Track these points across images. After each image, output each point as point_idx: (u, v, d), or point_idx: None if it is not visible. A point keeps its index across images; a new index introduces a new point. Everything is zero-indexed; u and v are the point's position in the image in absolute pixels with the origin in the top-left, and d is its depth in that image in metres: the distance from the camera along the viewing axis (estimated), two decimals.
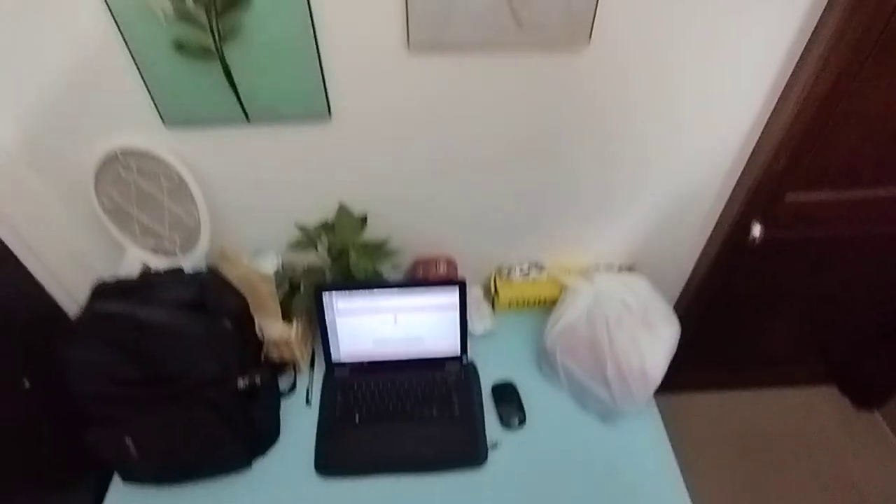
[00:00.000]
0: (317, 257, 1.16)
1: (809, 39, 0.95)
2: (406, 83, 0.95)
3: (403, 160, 1.08)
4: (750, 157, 1.14)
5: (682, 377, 1.26)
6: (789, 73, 0.99)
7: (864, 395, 1.88)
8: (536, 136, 1.05)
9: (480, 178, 1.12)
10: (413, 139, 1.04)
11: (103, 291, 0.96)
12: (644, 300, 1.15)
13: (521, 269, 1.30)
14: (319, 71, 0.91)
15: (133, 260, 1.13)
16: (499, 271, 1.32)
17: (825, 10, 0.90)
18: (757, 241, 1.28)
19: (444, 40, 0.88)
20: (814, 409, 1.89)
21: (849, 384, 1.92)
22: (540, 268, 1.30)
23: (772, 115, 1.06)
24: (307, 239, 1.13)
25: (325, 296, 1.09)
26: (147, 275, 1.08)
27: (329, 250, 1.13)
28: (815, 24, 0.93)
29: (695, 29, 0.92)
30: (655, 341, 1.11)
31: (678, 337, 1.13)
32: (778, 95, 1.03)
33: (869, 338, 1.75)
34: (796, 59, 0.97)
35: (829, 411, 1.89)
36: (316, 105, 0.96)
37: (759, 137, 1.10)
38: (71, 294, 1.09)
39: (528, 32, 0.87)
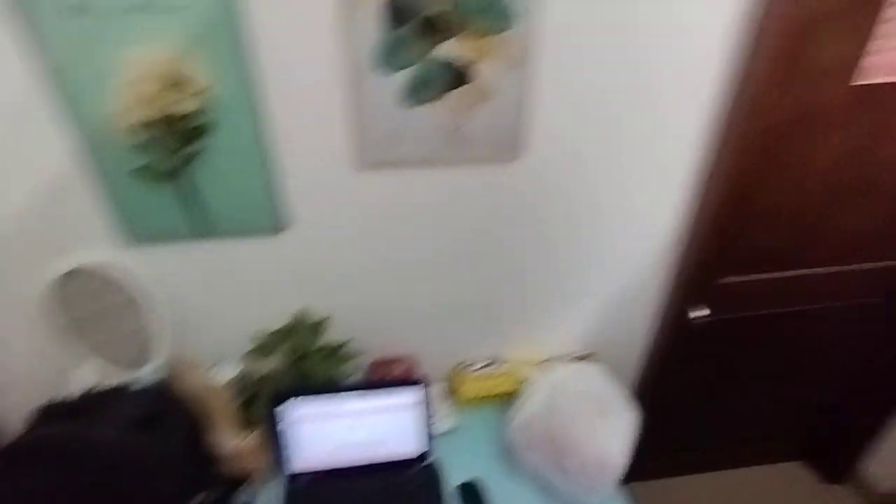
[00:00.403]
0: (276, 363, 1.17)
1: (718, 148, 1.08)
2: (358, 196, 1.03)
3: (359, 264, 1.13)
4: (683, 249, 1.24)
5: (655, 463, 1.27)
6: (707, 177, 1.12)
7: (829, 470, 1.89)
8: (482, 239, 1.13)
9: (435, 278, 1.18)
10: (367, 245, 1.10)
11: (48, 412, 0.94)
12: (600, 389, 1.18)
13: (481, 365, 1.32)
14: (276, 188, 0.98)
15: (88, 373, 1.11)
16: (459, 367, 1.34)
17: (730, 112, 1.04)
18: (701, 324, 1.35)
19: (393, 158, 0.97)
20: (783, 486, 1.89)
21: (814, 459, 1.94)
22: (499, 362, 1.33)
23: (696, 213, 1.18)
24: (265, 346, 1.14)
25: (283, 403, 1.09)
26: (96, 392, 1.06)
27: (288, 356, 1.14)
28: (722, 132, 1.06)
29: (617, 142, 1.04)
30: (613, 429, 1.13)
31: (637, 424, 1.15)
32: (700, 198, 1.15)
33: (825, 411, 1.80)
34: (710, 166, 1.11)
35: (798, 488, 1.89)
36: (273, 219, 1.02)
37: (688, 233, 1.21)
38: (14, 414, 1.05)
39: (467, 149, 0.97)
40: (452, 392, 1.33)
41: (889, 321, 1.55)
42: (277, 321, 1.16)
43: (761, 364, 1.61)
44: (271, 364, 1.17)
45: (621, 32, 0.93)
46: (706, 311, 1.34)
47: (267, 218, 1.01)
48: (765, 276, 1.37)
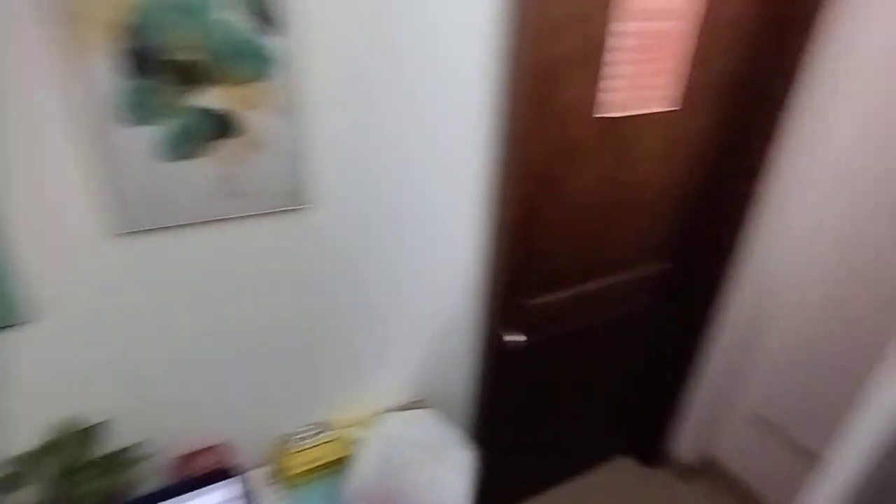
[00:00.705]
0: (36, 494, 0.91)
1: (503, 178, 1.17)
2: (122, 269, 0.88)
3: (138, 349, 0.96)
4: (489, 278, 1.30)
5: (500, 493, 1.26)
6: (499, 206, 1.20)
7: (649, 456, 2.11)
8: (281, 299, 1.05)
9: (232, 350, 1.05)
10: (143, 325, 0.94)
11: None
12: (433, 434, 1.16)
13: (306, 435, 1.21)
14: (11, 276, 0.79)
15: None
16: (281, 443, 1.20)
17: (504, 146, 1.13)
18: (518, 348, 1.42)
19: (159, 220, 0.85)
20: (617, 482, 2.06)
21: (636, 450, 2.15)
22: (326, 428, 1.23)
23: (494, 241, 1.24)
24: (14, 476, 0.89)
25: None
26: None
27: (51, 480, 0.90)
28: (502, 164, 1.15)
29: (409, 182, 1.06)
30: (451, 473, 1.10)
31: (474, 461, 1.14)
32: (495, 227, 1.22)
33: (634, 404, 2.02)
34: (499, 195, 1.18)
35: (629, 479, 2.07)
36: (14, 312, 0.81)
37: (491, 260, 1.27)
38: None
39: (246, 202, 0.90)
40: (279, 472, 1.18)
41: (666, 317, 1.81)
42: (34, 439, 0.92)
43: (576, 375, 1.75)
44: (28, 497, 0.91)
45: (389, 80, 0.96)
46: (521, 337, 1.41)
47: (5, 311, 0.80)
48: (563, 293, 1.50)
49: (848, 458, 0.93)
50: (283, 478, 1.16)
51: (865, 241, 1.46)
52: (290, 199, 0.94)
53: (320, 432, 1.22)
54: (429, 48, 0.97)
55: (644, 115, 1.31)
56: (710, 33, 1.27)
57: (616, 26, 1.15)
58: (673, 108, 1.33)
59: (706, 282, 1.73)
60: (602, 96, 1.23)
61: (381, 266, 1.13)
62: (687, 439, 2.01)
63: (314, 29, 0.85)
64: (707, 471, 2.08)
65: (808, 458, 1.71)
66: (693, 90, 1.34)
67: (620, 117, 1.28)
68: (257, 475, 1.16)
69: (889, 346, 0.83)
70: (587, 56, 1.17)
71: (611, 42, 1.17)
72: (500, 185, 1.18)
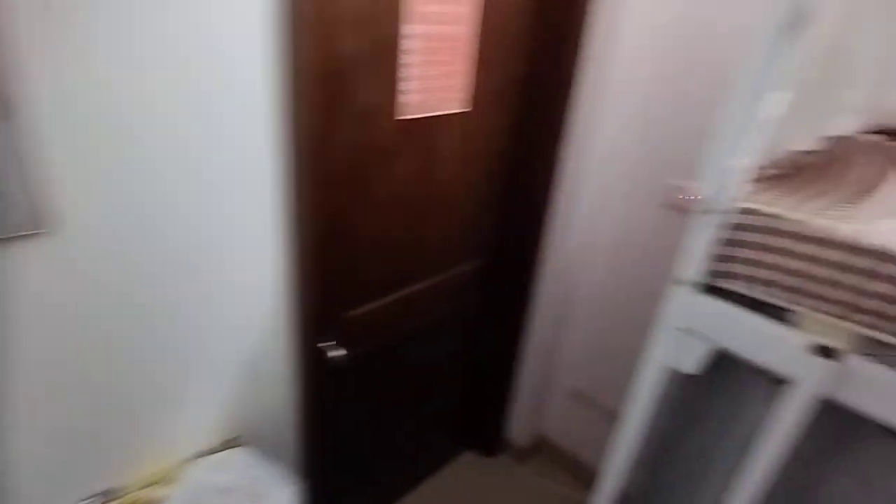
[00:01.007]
0: None
1: (298, 190, 1.08)
2: None
3: None
4: (294, 297, 1.20)
5: None
6: (296, 221, 1.11)
7: (489, 446, 2.20)
8: (30, 345, 0.84)
9: None
10: None
11: None
12: (248, 475, 1.03)
13: None
14: None
15: None
16: None
17: (296, 156, 1.05)
18: (341, 363, 1.35)
19: None
20: (467, 476, 2.10)
21: (480, 443, 2.22)
22: (115, 495, 1.02)
23: (298, 258, 1.15)
24: None
25: None
26: None
27: None
28: (295, 174, 1.07)
29: (182, 204, 0.92)
30: None
31: (301, 495, 1.04)
32: (297, 243, 1.13)
33: (468, 399, 2.08)
34: (296, 209, 1.10)
35: (475, 471, 2.13)
36: None
37: (298, 280, 1.17)
38: None
39: None
40: None
41: (487, 313, 1.89)
42: None
43: (406, 382, 1.74)
44: None
45: (148, 93, 0.82)
46: (342, 351, 1.34)
47: None
48: (383, 301, 1.47)
49: (633, 413, 1.04)
50: None
51: (639, 223, 1.69)
52: (21, 223, 0.75)
53: (112, 500, 1.01)
54: (192, 49, 0.85)
55: (442, 116, 1.34)
56: (489, 39, 1.35)
57: (405, 28, 1.16)
58: (466, 110, 1.39)
59: (518, 275, 1.84)
60: (401, 98, 1.23)
61: (162, 296, 0.96)
62: (520, 423, 2.13)
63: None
64: (540, 449, 2.23)
65: (610, 415, 1.92)
66: (482, 92, 1.41)
67: (421, 119, 1.30)
68: None
69: (656, 313, 0.95)
70: (379, 57, 1.16)
71: (402, 44, 1.17)
72: (296, 194, 1.10)
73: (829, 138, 1.01)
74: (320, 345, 1.31)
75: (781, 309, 0.85)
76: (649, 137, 1.61)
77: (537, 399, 2.07)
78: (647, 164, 1.63)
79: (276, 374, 1.25)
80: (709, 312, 0.89)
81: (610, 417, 1.92)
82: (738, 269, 0.87)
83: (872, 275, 0.75)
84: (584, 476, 2.09)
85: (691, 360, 0.89)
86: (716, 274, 0.89)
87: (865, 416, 0.80)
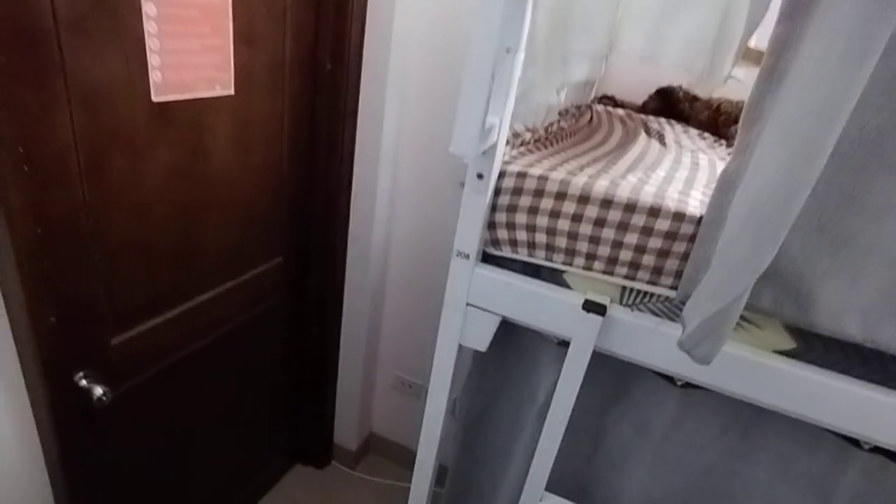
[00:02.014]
0: None
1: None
2: None
3: None
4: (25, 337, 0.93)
5: None
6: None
7: (320, 455, 2.05)
8: None
9: None
10: None
11: None
12: None
13: None
14: None
15: None
16: None
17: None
18: (106, 401, 1.09)
19: None
20: (300, 492, 1.93)
21: (309, 455, 2.05)
22: None
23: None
24: None
25: None
26: None
27: None
28: None
29: None
30: None
31: None
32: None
33: (286, 410, 1.91)
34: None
35: (310, 485, 1.97)
36: None
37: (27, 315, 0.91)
38: None
39: None
40: None
41: (293, 314, 1.74)
42: None
43: (208, 402, 1.52)
44: None
45: None
46: (102, 387, 1.09)
47: None
48: (163, 317, 1.23)
49: (435, 394, 1.01)
50: None
51: (440, 203, 1.69)
52: None
53: None
54: None
55: (208, 100, 1.16)
56: (253, 9, 1.20)
57: None
58: (232, 93, 1.21)
59: (323, 271, 1.73)
60: (153, 76, 1.01)
61: None
62: (347, 426, 2.03)
63: None
64: (371, 448, 2.15)
65: None
66: (251, 72, 1.25)
67: (181, 102, 1.10)
68: None
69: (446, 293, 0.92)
70: (110, 22, 0.93)
71: (145, 9, 0.96)
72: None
73: (577, 106, 1.08)
74: (79, 381, 1.04)
75: (559, 272, 0.87)
76: (437, 113, 1.60)
77: (362, 397, 1.98)
78: (439, 141, 1.63)
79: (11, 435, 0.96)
80: (489, 284, 0.88)
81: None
82: (512, 235, 0.87)
83: (625, 227, 0.79)
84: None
85: (480, 336, 0.87)
86: (493, 242, 0.88)
87: (634, 362, 0.85)
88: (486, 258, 0.91)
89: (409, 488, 2.13)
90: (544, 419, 0.94)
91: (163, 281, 1.22)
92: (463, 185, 1.64)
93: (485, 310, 0.88)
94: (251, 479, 1.85)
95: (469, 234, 0.84)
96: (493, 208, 0.87)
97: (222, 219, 1.32)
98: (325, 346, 1.85)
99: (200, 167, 1.21)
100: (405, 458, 2.09)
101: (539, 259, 0.87)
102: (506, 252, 0.88)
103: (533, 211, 0.84)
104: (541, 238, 0.84)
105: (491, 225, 0.88)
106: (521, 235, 0.85)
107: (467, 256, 0.84)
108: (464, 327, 0.90)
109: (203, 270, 1.32)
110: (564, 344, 0.89)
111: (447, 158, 1.63)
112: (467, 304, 0.89)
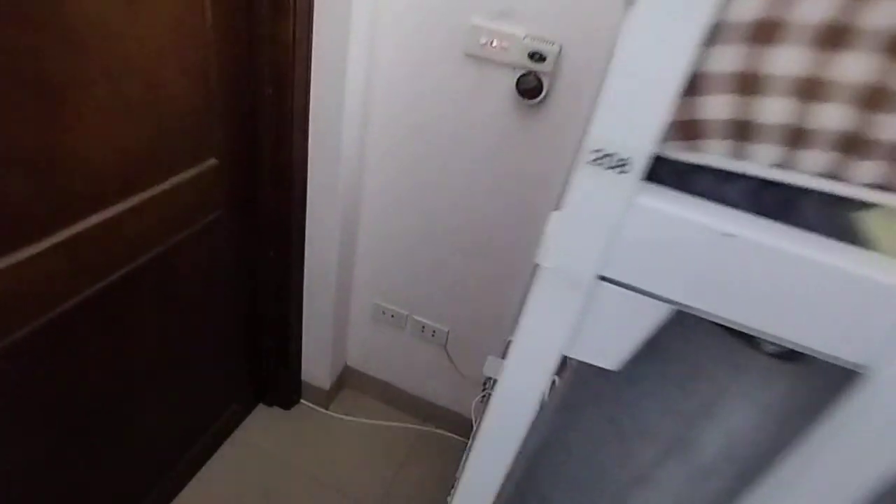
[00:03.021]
0: None
1: None
2: None
3: None
4: None
5: None
6: None
7: (286, 395, 1.75)
8: None
9: None
10: None
11: None
12: None
13: None
14: None
15: None
16: None
17: None
18: None
19: None
20: (267, 434, 1.64)
21: (276, 396, 1.75)
22: None
23: None
24: None
25: None
26: None
27: None
28: None
29: None
30: None
31: None
32: None
33: (246, 348, 1.56)
34: None
35: (277, 427, 1.69)
36: None
37: None
38: None
39: None
40: None
41: (240, 234, 1.32)
42: None
43: (136, 347, 1.14)
44: None
45: None
46: None
47: None
48: (27, 253, 0.81)
49: (497, 434, 0.62)
50: None
51: (430, 81, 1.24)
52: None
53: None
54: None
55: None
56: None
57: None
58: None
59: (276, 173, 1.29)
60: None
61: None
62: (318, 361, 1.70)
63: None
64: (346, 384, 1.86)
65: (422, 332, 1.61)
66: None
67: None
68: None
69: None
70: None
71: None
72: None
73: None
74: None
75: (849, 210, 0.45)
76: None
77: (335, 329, 1.63)
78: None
79: None
80: (665, 229, 0.35)
81: (417, 329, 1.61)
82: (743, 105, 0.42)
83: None
84: (398, 400, 1.81)
85: (616, 341, 0.39)
86: (684, 130, 0.42)
87: None
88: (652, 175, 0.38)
89: (390, 427, 1.91)
90: (701, 487, 0.54)
91: (16, 199, 0.78)
92: (470, 56, 1.21)
93: (642, 290, 0.37)
94: (208, 426, 1.54)
95: (633, 108, 0.33)
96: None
97: (110, 103, 0.86)
98: (284, 271, 1.47)
99: (67, 39, 0.73)
100: (385, 394, 1.81)
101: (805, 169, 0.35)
102: (713, 151, 0.35)
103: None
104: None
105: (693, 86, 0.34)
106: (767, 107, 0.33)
107: (622, 164, 0.32)
108: (584, 323, 0.39)
109: (89, 180, 0.88)
110: (785, 357, 0.46)
111: (448, 18, 1.16)
112: (600, 278, 0.37)
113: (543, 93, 1.14)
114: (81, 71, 0.79)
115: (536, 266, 0.36)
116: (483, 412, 1.21)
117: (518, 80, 1.14)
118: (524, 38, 1.11)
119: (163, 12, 0.89)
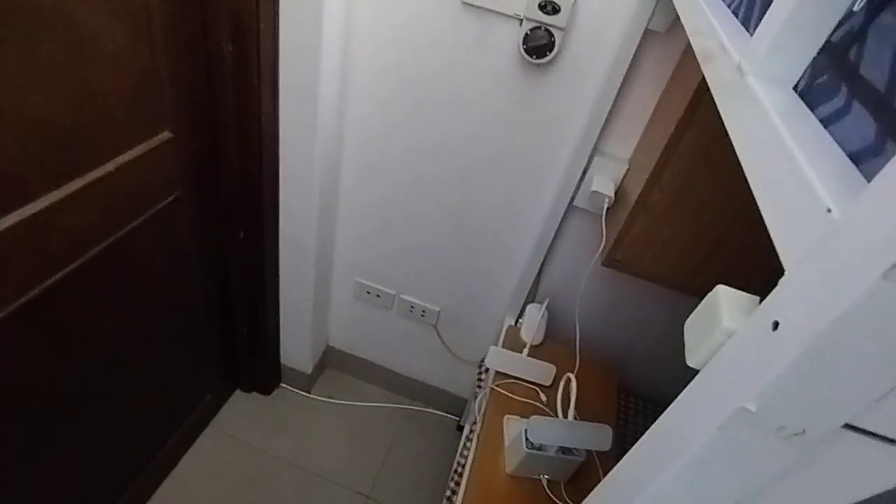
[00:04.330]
0: None
1: None
2: None
3: None
4: None
5: None
6: None
7: (262, 381, 1.63)
8: None
9: None
10: None
11: None
12: None
13: None
14: None
15: None
16: None
17: None
18: None
19: None
20: (248, 419, 1.53)
21: (255, 382, 1.62)
22: None
23: None
24: None
25: None
26: None
27: None
28: None
29: None
30: None
31: None
32: None
33: (221, 333, 1.42)
34: None
35: (255, 413, 1.57)
36: None
37: None
38: None
39: None
40: None
41: (206, 213, 1.15)
42: None
43: (94, 347, 0.99)
44: None
45: None
46: None
47: None
48: None
49: None
50: None
51: (420, 29, 1.06)
52: None
53: None
54: None
55: None
56: None
57: None
58: None
59: (243, 143, 1.11)
60: None
61: None
62: (298, 344, 1.58)
63: None
64: (328, 364, 1.75)
65: (411, 311, 1.50)
66: None
67: None
68: None
69: None
70: None
71: None
72: None
73: None
74: None
75: None
76: None
77: (315, 311, 1.50)
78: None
79: None
80: None
81: (405, 309, 1.49)
82: None
83: None
84: (384, 381, 1.71)
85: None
86: None
87: None
88: None
89: (377, 408, 1.82)
90: None
91: None
92: (468, 4, 1.02)
93: None
94: (181, 420, 1.41)
95: None
96: None
97: (18, 64, 0.66)
98: (257, 252, 1.31)
99: None
100: (369, 374, 1.71)
101: None
102: None
103: None
104: None
105: None
106: None
107: None
108: (792, 477, 0.23)
109: (8, 163, 0.70)
110: None
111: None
112: (845, 427, 0.20)
113: (555, 51, 0.98)
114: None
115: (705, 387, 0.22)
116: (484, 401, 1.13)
117: (525, 35, 0.98)
118: None
119: None
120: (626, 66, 0.95)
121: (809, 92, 0.27)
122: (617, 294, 1.27)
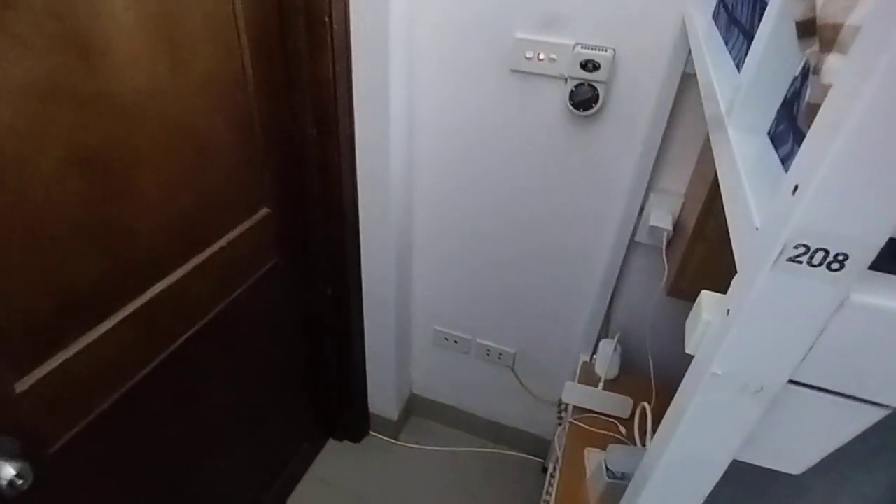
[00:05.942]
0: None
1: None
2: None
3: None
4: None
5: None
6: None
7: (355, 431, 1.73)
8: None
9: None
10: None
11: None
12: None
13: None
14: None
15: None
16: None
17: None
18: (25, 485, 0.70)
19: None
20: (338, 468, 1.63)
21: (345, 431, 1.73)
22: None
23: None
24: None
25: None
26: None
27: None
28: None
29: None
30: None
31: None
32: None
33: (313, 389, 1.55)
34: None
35: (347, 461, 1.67)
36: None
37: None
38: None
39: None
40: None
41: (299, 277, 1.30)
42: None
43: (202, 410, 1.14)
44: None
45: None
46: (16, 466, 0.69)
47: None
48: (95, 333, 0.81)
49: None
50: None
51: (476, 97, 1.18)
52: None
53: None
54: None
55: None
56: None
57: None
58: None
59: (326, 213, 1.26)
60: None
61: None
62: (383, 392, 1.68)
63: None
64: (414, 412, 1.83)
65: (488, 355, 1.56)
66: None
67: None
68: None
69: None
70: None
71: None
72: None
73: None
74: None
75: None
76: None
77: (398, 360, 1.60)
78: (475, 6, 1.09)
79: None
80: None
81: (482, 353, 1.55)
82: None
83: None
84: (468, 424, 1.76)
85: (802, 446, 0.31)
86: None
87: None
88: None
89: (462, 452, 1.86)
90: None
91: (79, 278, 0.77)
92: (517, 72, 1.14)
93: (851, 396, 0.28)
94: (281, 469, 1.53)
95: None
96: None
97: (162, 169, 0.84)
98: (343, 307, 1.45)
99: (98, 81, 0.71)
100: (453, 418, 1.77)
101: None
102: None
103: None
104: None
105: None
106: None
107: (837, 260, 0.23)
108: (764, 429, 0.31)
109: (151, 248, 0.87)
110: None
111: (489, 34, 1.10)
112: (791, 382, 0.28)
113: (599, 103, 1.07)
114: (128, 137, 0.78)
115: (695, 362, 0.31)
116: (564, 439, 1.15)
117: (571, 91, 1.07)
118: (574, 46, 1.04)
119: (204, 71, 0.87)
120: (669, 109, 1.02)
121: (775, 137, 0.34)
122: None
